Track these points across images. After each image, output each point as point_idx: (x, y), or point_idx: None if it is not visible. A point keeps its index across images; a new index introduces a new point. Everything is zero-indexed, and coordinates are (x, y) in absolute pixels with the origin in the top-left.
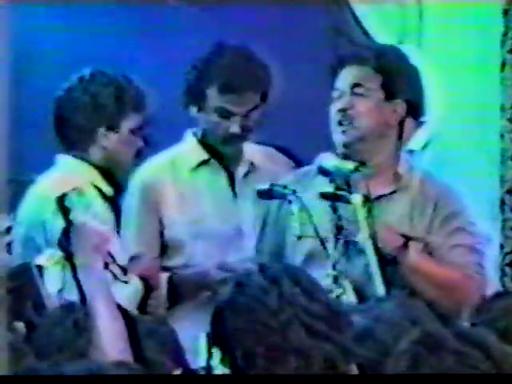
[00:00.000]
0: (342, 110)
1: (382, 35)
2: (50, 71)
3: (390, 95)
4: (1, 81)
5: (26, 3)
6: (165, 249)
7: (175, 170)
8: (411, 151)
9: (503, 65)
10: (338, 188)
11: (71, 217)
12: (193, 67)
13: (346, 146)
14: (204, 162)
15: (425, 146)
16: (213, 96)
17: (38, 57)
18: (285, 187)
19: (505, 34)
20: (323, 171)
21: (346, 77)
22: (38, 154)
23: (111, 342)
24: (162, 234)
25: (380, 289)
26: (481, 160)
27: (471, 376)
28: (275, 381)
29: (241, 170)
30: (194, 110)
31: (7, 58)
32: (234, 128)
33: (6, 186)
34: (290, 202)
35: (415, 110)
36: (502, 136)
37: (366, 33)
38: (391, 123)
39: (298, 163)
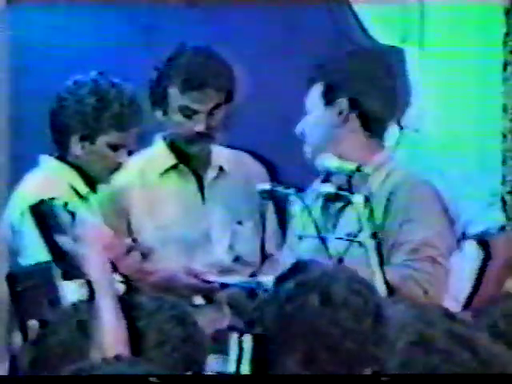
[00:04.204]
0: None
1: (384, 36)
2: (50, 71)
3: (329, 101)
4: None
5: (26, 4)
6: None
7: (144, 175)
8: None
9: (505, 65)
10: (339, 188)
11: (77, 217)
12: (154, 69)
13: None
14: (173, 167)
15: (398, 143)
16: (175, 95)
17: (38, 57)
18: (286, 187)
19: (507, 34)
20: (325, 172)
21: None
22: (37, 154)
23: (114, 339)
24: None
25: (381, 289)
26: (482, 161)
27: (472, 376)
28: (278, 381)
29: (209, 175)
30: (159, 113)
31: (6, 57)
32: (199, 126)
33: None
34: (292, 202)
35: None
36: (504, 136)
37: (366, 33)
38: (337, 124)
39: (272, 169)
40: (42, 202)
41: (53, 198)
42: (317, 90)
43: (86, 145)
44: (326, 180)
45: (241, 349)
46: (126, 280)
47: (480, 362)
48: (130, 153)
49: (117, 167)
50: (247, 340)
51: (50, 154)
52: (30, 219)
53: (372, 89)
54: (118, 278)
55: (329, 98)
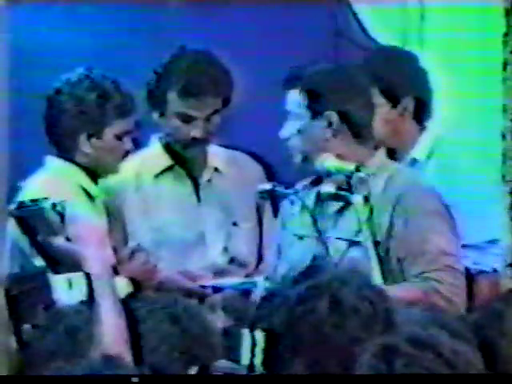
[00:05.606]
0: None
1: (384, 36)
2: (50, 71)
3: (316, 113)
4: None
5: (26, 3)
6: None
7: (139, 176)
8: (415, 160)
9: (505, 65)
10: (339, 188)
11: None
12: (153, 72)
13: None
14: (168, 168)
15: (429, 156)
16: (173, 100)
17: (38, 56)
18: (287, 187)
19: (507, 35)
20: (324, 172)
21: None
22: (37, 154)
23: (114, 338)
24: (126, 240)
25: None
26: (483, 160)
27: (472, 376)
28: (283, 381)
29: (205, 176)
30: (155, 115)
31: (6, 56)
32: (196, 132)
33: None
34: (291, 202)
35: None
36: (503, 137)
37: (367, 34)
38: (327, 137)
39: (269, 169)
40: (21, 204)
41: (37, 200)
42: (298, 98)
43: (94, 141)
44: (317, 180)
45: (254, 342)
46: (133, 281)
47: (445, 363)
48: (133, 140)
49: (124, 155)
50: (259, 333)
51: (57, 155)
52: (14, 223)
53: (357, 97)
54: (123, 280)
55: (315, 110)
